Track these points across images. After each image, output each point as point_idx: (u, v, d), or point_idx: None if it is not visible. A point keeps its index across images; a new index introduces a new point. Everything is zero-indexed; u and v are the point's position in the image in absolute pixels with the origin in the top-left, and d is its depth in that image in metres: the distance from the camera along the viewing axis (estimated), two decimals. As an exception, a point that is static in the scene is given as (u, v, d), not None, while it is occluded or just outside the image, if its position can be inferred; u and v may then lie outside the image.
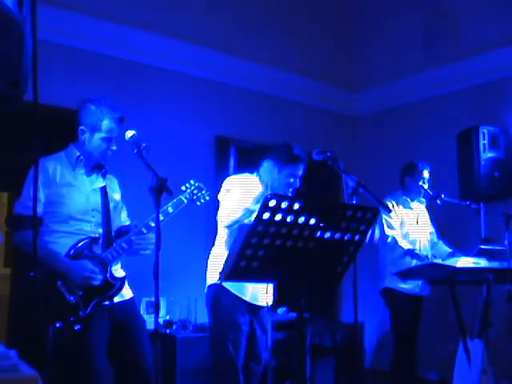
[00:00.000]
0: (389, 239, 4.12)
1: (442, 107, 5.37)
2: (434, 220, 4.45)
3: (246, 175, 3.14)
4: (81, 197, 2.80)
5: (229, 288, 2.99)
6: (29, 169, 2.64)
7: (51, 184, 2.72)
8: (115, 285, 2.79)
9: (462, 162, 4.78)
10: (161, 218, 2.77)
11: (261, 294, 3.09)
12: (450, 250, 4.20)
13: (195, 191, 3.06)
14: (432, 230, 4.38)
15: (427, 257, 4.04)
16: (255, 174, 3.17)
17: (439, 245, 4.30)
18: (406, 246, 4.09)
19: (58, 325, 2.51)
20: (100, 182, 2.91)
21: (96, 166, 2.89)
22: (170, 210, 2.89)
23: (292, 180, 3.11)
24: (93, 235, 2.80)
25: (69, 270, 2.63)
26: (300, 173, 3.13)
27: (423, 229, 4.29)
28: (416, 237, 4.23)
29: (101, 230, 2.85)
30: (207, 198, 3.10)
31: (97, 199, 2.87)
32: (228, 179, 3.15)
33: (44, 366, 1.17)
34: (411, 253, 4.03)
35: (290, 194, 3.09)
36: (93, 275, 2.66)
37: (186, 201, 2.98)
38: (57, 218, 2.73)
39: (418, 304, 4.25)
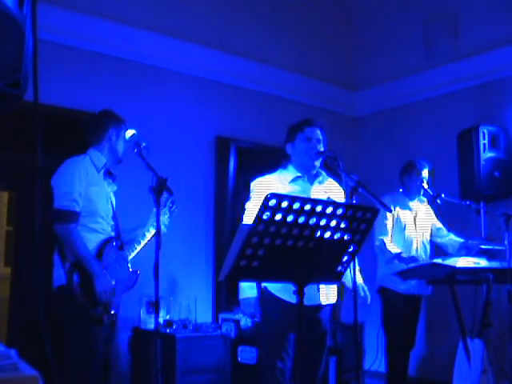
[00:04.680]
0: (377, 242, 4.15)
1: (442, 107, 5.37)
2: (440, 215, 4.42)
3: (267, 177, 3.01)
4: (104, 198, 2.99)
5: (275, 293, 2.82)
6: (61, 164, 2.93)
7: (87, 182, 2.89)
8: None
9: (462, 162, 4.77)
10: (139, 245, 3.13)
11: (317, 291, 2.86)
12: (461, 239, 4.17)
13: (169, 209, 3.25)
14: (439, 225, 4.34)
15: (416, 259, 4.00)
16: (279, 171, 3.04)
17: (450, 237, 4.27)
18: (393, 249, 4.10)
19: (98, 310, 2.79)
20: (113, 187, 3.08)
21: (109, 172, 3.07)
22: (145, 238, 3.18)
23: (310, 143, 2.95)
24: (102, 236, 2.98)
25: (96, 278, 2.79)
26: (317, 135, 2.97)
27: (420, 228, 4.28)
28: (413, 236, 4.23)
29: (113, 233, 3.04)
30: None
31: (112, 202, 3.07)
32: (254, 183, 3.00)
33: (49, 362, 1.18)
34: (398, 257, 4.05)
35: (318, 163, 2.95)
36: (105, 297, 2.82)
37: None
38: (87, 214, 2.88)
39: (412, 304, 4.24)
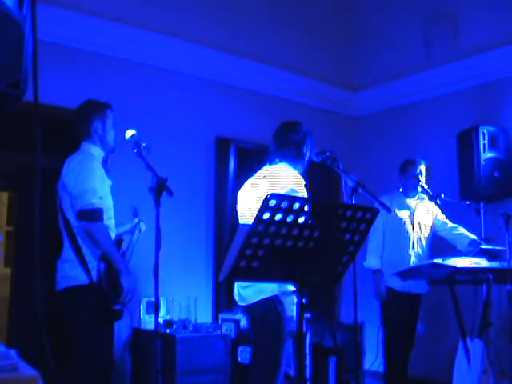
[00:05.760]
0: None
1: (442, 107, 5.37)
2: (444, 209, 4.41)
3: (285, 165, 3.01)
4: (109, 192, 2.95)
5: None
6: (69, 163, 2.89)
7: (102, 178, 2.88)
8: None
9: (462, 162, 4.77)
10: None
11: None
12: (473, 236, 4.13)
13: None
14: (444, 219, 4.31)
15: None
16: (284, 163, 3.03)
17: (459, 231, 4.22)
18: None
19: (119, 306, 2.80)
20: (109, 181, 3.01)
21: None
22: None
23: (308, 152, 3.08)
24: (113, 233, 2.98)
25: (124, 275, 2.79)
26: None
27: (418, 225, 4.27)
28: (409, 233, 4.23)
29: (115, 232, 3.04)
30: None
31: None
32: (271, 169, 2.98)
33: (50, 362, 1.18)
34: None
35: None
36: (130, 296, 2.83)
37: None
38: (105, 213, 2.86)
39: (411, 302, 4.25)
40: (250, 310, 2.92)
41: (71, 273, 2.80)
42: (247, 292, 2.90)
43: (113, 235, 2.94)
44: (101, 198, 2.80)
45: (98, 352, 2.79)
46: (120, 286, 2.76)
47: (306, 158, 3.08)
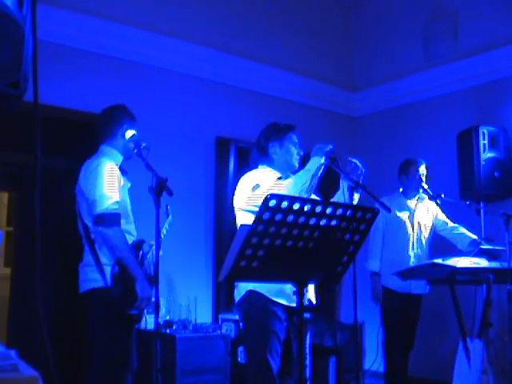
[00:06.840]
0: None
1: (442, 107, 5.37)
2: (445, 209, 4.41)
3: (257, 171, 2.98)
4: (128, 197, 2.94)
5: (263, 292, 2.77)
6: (86, 167, 2.86)
7: (119, 182, 2.85)
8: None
9: (462, 162, 4.78)
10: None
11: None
12: (473, 236, 4.13)
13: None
14: (445, 219, 4.30)
15: None
16: (261, 167, 3.02)
17: (459, 231, 4.22)
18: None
19: (134, 311, 2.79)
20: (127, 183, 3.00)
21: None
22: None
23: (295, 149, 3.02)
24: (133, 238, 2.95)
25: (139, 282, 2.75)
26: (297, 140, 3.05)
27: (418, 226, 4.27)
28: (409, 235, 4.24)
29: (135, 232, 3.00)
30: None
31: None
32: (248, 176, 2.90)
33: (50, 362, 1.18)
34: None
35: (297, 166, 3.01)
36: (145, 304, 2.80)
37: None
38: (122, 215, 2.83)
39: (412, 303, 4.25)
40: (239, 308, 2.93)
41: (91, 276, 2.82)
42: (236, 291, 2.91)
43: (132, 239, 2.91)
44: (118, 202, 2.77)
45: (111, 354, 2.78)
46: (135, 292, 2.74)
47: (287, 157, 3.01)
